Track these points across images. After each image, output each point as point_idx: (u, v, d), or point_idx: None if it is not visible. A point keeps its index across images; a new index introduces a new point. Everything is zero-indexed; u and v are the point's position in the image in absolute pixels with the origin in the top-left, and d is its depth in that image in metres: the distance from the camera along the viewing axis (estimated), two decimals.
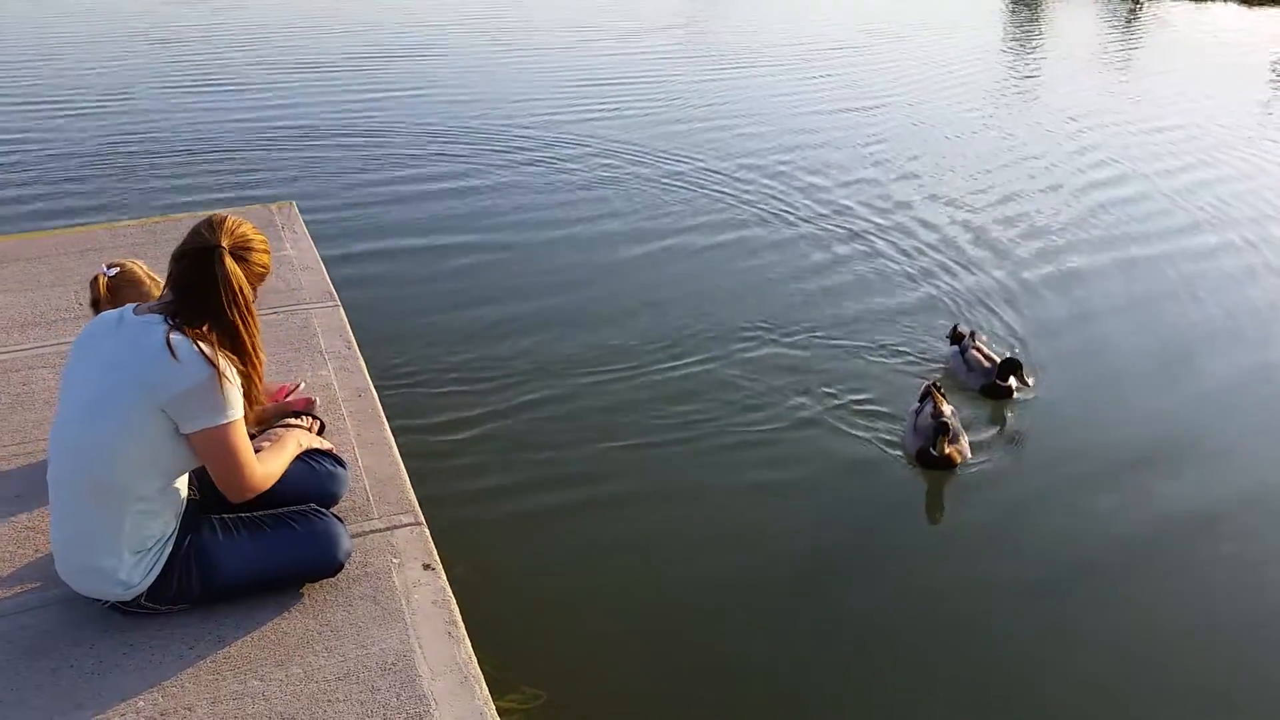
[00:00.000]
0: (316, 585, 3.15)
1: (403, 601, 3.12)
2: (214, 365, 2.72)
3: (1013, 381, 6.07)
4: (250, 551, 3.02)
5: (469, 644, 2.96)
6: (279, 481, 3.10)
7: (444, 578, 3.25)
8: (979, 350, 6.35)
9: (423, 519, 3.55)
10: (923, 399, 5.82)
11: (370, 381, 4.53)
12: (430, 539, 3.45)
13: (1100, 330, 7.22)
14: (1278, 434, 5.93)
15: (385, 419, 4.23)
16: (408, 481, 3.76)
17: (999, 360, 6.17)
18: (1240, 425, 5.99)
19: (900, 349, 6.85)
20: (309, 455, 3.37)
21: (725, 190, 10.09)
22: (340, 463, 3.46)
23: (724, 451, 5.59)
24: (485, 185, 10.10)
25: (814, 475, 5.41)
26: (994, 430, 5.95)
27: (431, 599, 3.14)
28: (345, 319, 5.06)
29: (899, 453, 5.59)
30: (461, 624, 3.04)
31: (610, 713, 3.76)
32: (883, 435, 5.77)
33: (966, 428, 5.74)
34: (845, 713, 3.85)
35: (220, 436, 2.79)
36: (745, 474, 5.40)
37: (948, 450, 5.29)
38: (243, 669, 2.82)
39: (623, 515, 5.07)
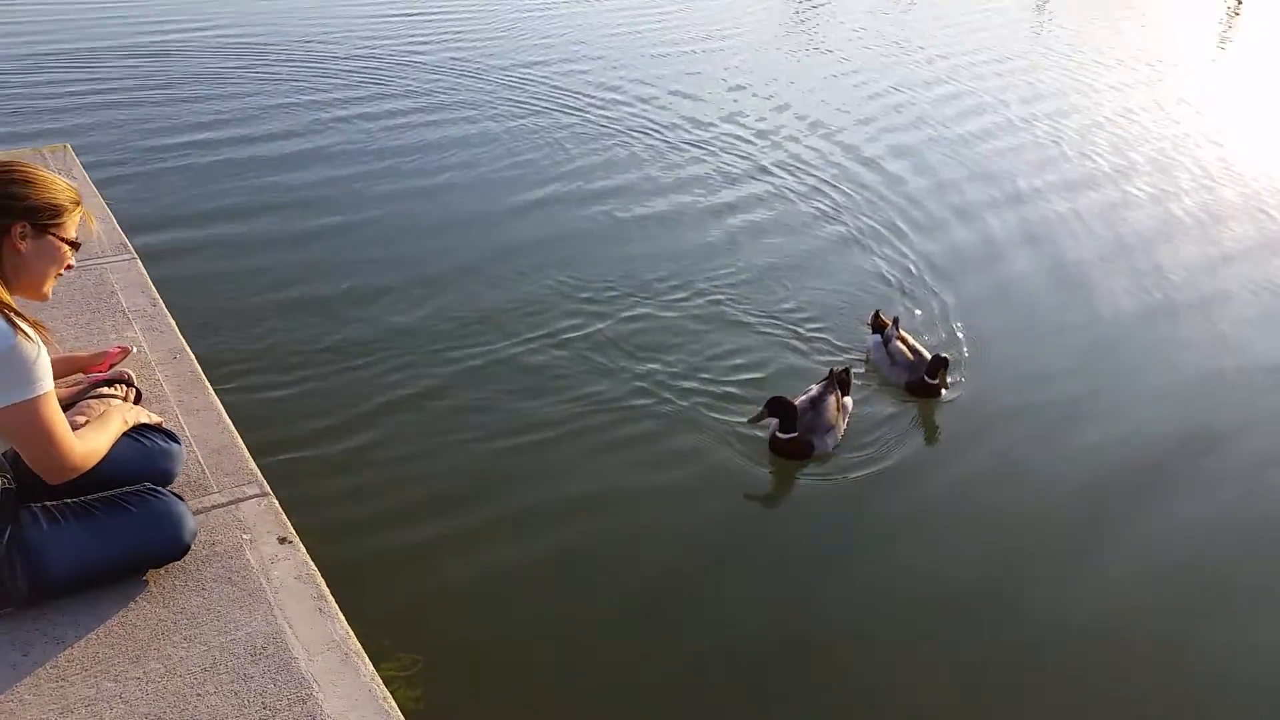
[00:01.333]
0: (162, 571, 2.90)
1: (262, 579, 2.93)
2: (13, 333, 2.41)
3: (941, 380, 5.67)
4: (83, 541, 2.73)
5: (343, 618, 2.83)
6: (106, 463, 2.81)
7: (304, 551, 3.08)
8: (903, 341, 5.96)
9: (269, 489, 3.33)
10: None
11: (185, 341, 4.17)
12: (281, 510, 3.25)
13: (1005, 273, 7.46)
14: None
15: (208, 382, 3.92)
16: (245, 450, 3.52)
17: (926, 355, 5.80)
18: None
19: (801, 323, 6.53)
20: (137, 431, 3.07)
21: (587, 115, 9.78)
22: (173, 438, 3.18)
23: (583, 431, 5.32)
24: (314, 112, 9.26)
25: (695, 473, 5.05)
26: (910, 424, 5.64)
27: (294, 574, 2.97)
28: (145, 273, 4.60)
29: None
30: (331, 598, 2.90)
31: (493, 668, 3.73)
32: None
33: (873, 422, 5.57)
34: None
35: (29, 412, 2.48)
36: (614, 453, 5.14)
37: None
38: (92, 670, 2.57)
39: (480, 465, 4.96)
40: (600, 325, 6.29)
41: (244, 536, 3.10)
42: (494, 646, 3.85)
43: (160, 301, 4.38)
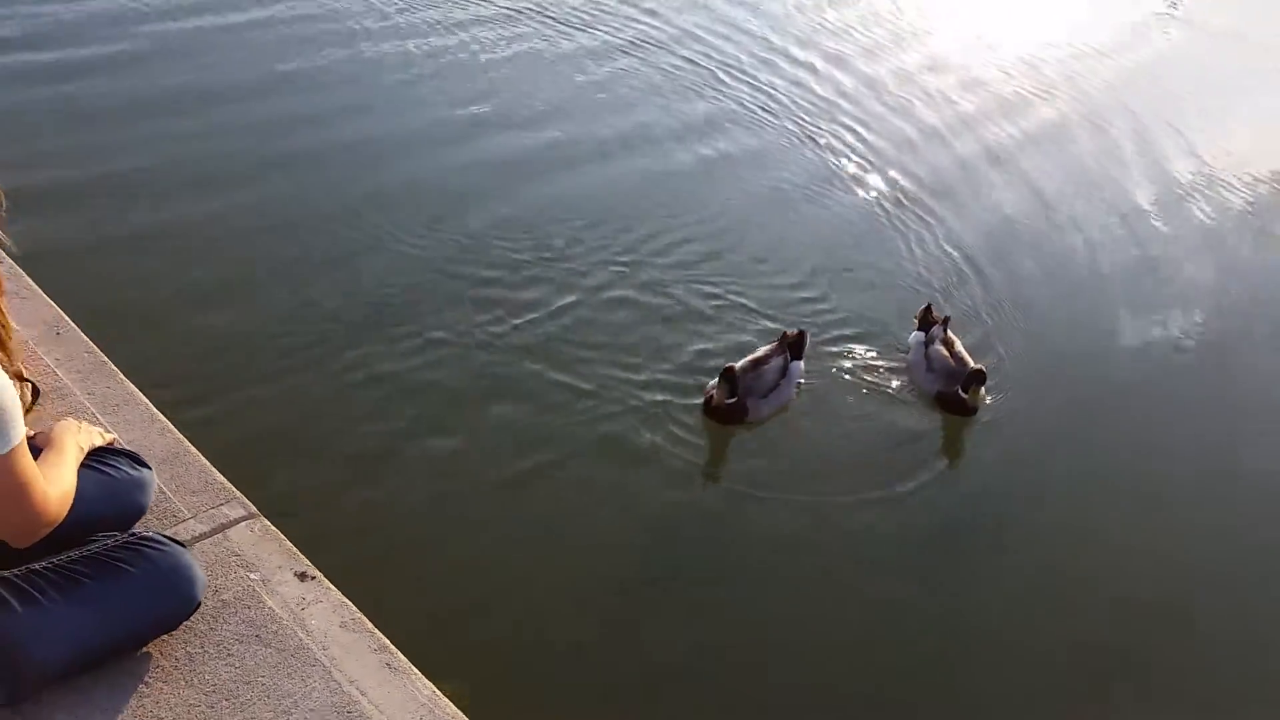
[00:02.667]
0: (167, 637, 2.29)
1: (300, 633, 2.39)
2: None
3: (977, 395, 4.89)
4: (73, 621, 2.09)
5: (418, 672, 2.37)
6: (72, 506, 2.14)
7: (333, 587, 2.54)
8: (948, 345, 5.10)
9: (254, 508, 2.73)
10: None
11: (64, 312, 3.32)
12: (282, 535, 2.67)
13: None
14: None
15: (115, 366, 3.14)
16: (203, 458, 2.85)
17: (970, 364, 4.95)
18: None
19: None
20: (94, 457, 2.38)
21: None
22: (138, 461, 2.49)
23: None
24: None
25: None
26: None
27: (336, 620, 2.45)
28: None
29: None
30: (393, 647, 2.42)
31: (551, 685, 3.34)
32: None
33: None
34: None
35: (6, 469, 1.83)
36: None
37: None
38: None
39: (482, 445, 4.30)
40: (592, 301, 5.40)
41: (251, 576, 2.52)
42: (541, 663, 3.42)
43: (12, 261, 3.44)
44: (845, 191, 7.06)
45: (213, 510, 2.67)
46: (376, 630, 2.44)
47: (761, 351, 4.84)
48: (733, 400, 4.50)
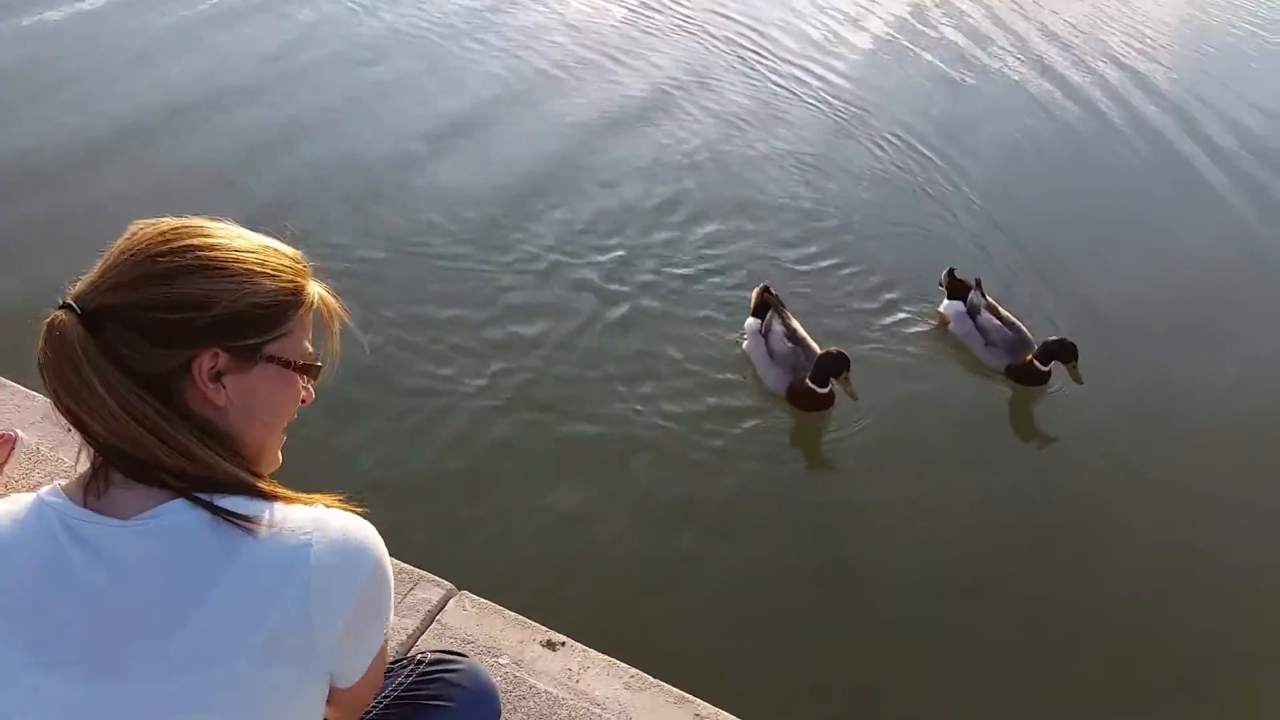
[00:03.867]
0: None
1: (593, 708, 2.16)
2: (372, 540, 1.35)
3: (1074, 373, 4.20)
4: None
5: (730, 714, 2.23)
6: None
7: (589, 649, 2.32)
8: (994, 311, 4.48)
9: (449, 583, 2.41)
10: (760, 311, 4.20)
11: None
12: (497, 605, 2.38)
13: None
14: None
15: None
16: None
17: (1024, 329, 4.41)
18: None
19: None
20: None
21: None
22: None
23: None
24: None
25: None
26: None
27: (619, 683, 2.23)
28: None
29: None
30: (691, 695, 2.25)
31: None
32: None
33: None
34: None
35: (384, 653, 1.48)
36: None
37: (849, 387, 3.87)
38: None
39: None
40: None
41: (501, 661, 2.24)
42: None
43: None
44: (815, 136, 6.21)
45: (408, 598, 2.34)
46: (664, 683, 2.26)
47: (761, 324, 4.13)
48: (826, 390, 3.89)
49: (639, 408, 3.87)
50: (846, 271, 4.91)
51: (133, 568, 1.07)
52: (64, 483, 1.13)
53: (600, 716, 2.14)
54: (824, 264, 4.96)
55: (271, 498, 1.15)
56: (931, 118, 6.61)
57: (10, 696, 1.06)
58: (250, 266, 1.16)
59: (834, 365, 3.81)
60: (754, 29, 7.64)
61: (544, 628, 2.33)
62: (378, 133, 5.50)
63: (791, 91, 6.73)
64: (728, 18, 7.76)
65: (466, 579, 2.46)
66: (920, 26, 8.16)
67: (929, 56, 7.62)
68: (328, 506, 1.18)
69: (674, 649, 2.91)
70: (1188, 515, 3.84)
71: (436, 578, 2.40)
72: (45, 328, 1.07)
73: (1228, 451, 4.18)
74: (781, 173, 5.72)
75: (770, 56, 7.23)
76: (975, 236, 5.38)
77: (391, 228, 4.71)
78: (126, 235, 1.14)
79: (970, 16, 8.47)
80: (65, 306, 1.08)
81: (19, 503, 1.13)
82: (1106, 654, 3.24)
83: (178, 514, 1.08)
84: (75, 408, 1.08)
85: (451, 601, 2.35)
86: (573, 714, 2.13)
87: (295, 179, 5.00)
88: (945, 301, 4.62)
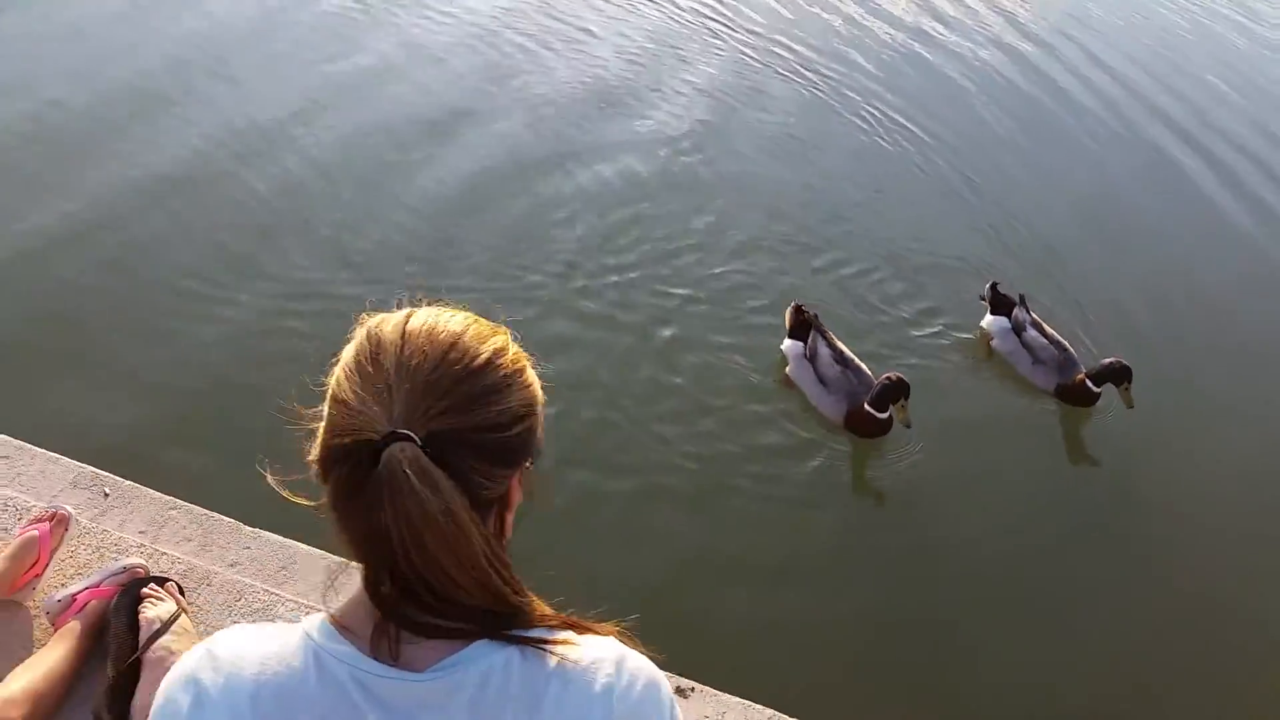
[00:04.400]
0: None
1: None
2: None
3: (1125, 398, 4.08)
4: None
5: None
6: None
7: (716, 690, 2.19)
8: (1040, 328, 4.33)
9: None
10: (798, 333, 4.03)
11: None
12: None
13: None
14: None
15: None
16: None
17: (1067, 345, 4.26)
18: None
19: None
20: None
21: None
22: None
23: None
24: None
25: None
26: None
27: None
28: None
29: None
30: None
31: None
32: None
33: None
34: None
35: None
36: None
37: (904, 415, 3.72)
38: None
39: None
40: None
41: None
42: None
43: None
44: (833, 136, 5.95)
45: None
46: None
47: (809, 348, 3.97)
48: (886, 415, 3.76)
49: (691, 449, 3.68)
50: (871, 280, 4.72)
51: None
52: (324, 618, 0.97)
53: None
54: (845, 272, 4.73)
55: (567, 626, 1.00)
56: (945, 111, 6.36)
57: None
58: (520, 360, 1.03)
59: (895, 391, 3.68)
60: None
61: (674, 674, 2.19)
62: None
63: (794, 79, 6.43)
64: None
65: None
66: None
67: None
68: (618, 639, 1.05)
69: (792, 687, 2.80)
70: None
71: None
72: (387, 461, 0.89)
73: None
74: (785, 171, 5.47)
75: (750, 35, 6.91)
76: (995, 230, 5.24)
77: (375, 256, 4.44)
78: (405, 347, 0.96)
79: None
80: (399, 436, 0.90)
81: (282, 643, 0.96)
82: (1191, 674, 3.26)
83: (485, 658, 0.94)
84: (409, 543, 0.91)
85: None
86: None
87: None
88: (988, 316, 4.42)
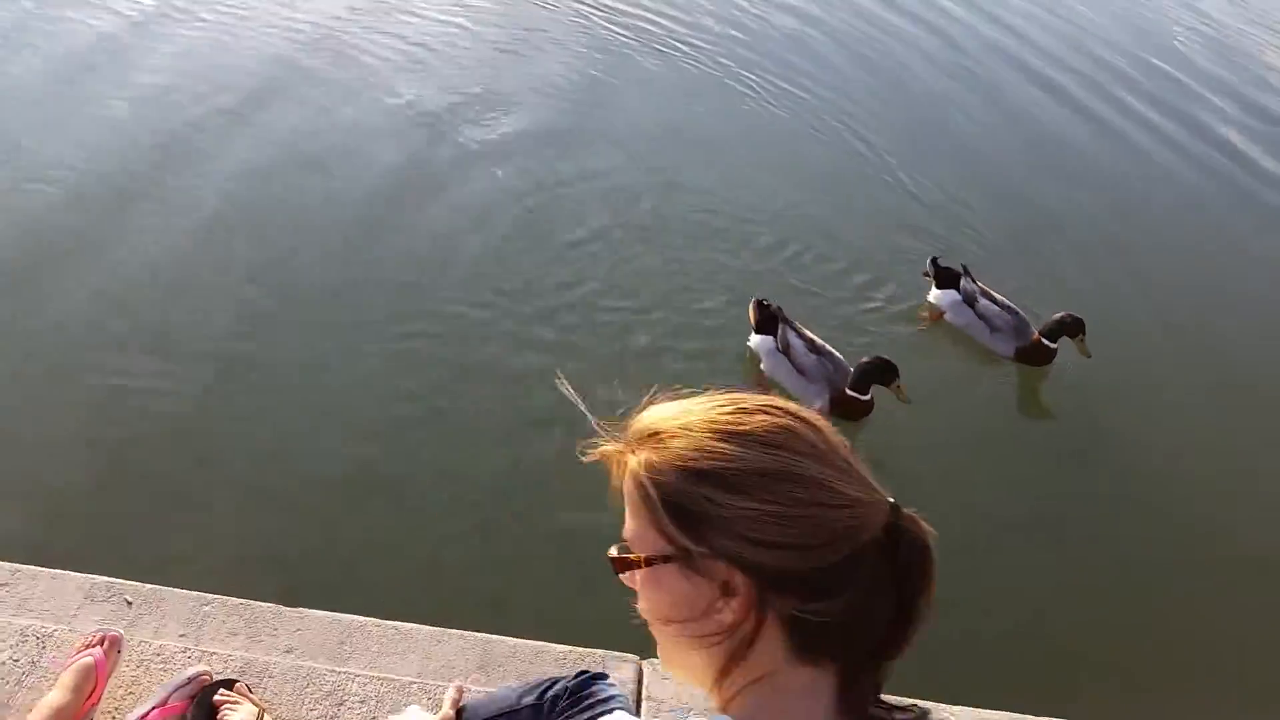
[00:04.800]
0: None
1: None
2: None
3: (1084, 346, 4.20)
4: None
5: None
6: None
7: None
8: (989, 296, 4.41)
9: (620, 654, 2.26)
10: (766, 327, 4.04)
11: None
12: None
13: None
14: None
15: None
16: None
17: (1019, 310, 4.36)
18: None
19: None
20: None
21: None
22: None
23: None
24: None
25: None
26: None
27: None
28: None
29: None
30: None
31: None
32: None
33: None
34: None
35: None
36: None
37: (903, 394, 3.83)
38: None
39: None
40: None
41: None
42: None
43: None
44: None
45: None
46: None
47: (778, 341, 4.02)
48: (868, 396, 3.85)
49: None
50: (802, 262, 4.75)
51: None
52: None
53: None
54: (776, 260, 4.76)
55: None
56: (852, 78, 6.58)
57: None
58: None
59: (881, 373, 3.77)
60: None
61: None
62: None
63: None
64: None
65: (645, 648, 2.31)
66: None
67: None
68: None
69: None
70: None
71: (620, 654, 2.24)
72: (910, 536, 0.87)
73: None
74: (679, 158, 5.46)
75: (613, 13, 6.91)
76: (908, 190, 5.40)
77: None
78: (810, 424, 0.91)
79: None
80: (897, 508, 0.88)
81: None
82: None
83: None
84: (916, 621, 0.89)
85: (646, 672, 2.20)
86: None
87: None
88: (934, 291, 4.50)
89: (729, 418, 0.87)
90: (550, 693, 1.72)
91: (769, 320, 4.01)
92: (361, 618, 2.27)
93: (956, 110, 6.40)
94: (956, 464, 3.86)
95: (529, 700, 1.73)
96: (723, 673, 0.87)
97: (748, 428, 0.86)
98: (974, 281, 4.42)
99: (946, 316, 4.44)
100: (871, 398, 3.82)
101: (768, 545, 0.82)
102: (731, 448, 0.85)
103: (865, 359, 3.83)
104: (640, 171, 5.23)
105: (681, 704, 2.14)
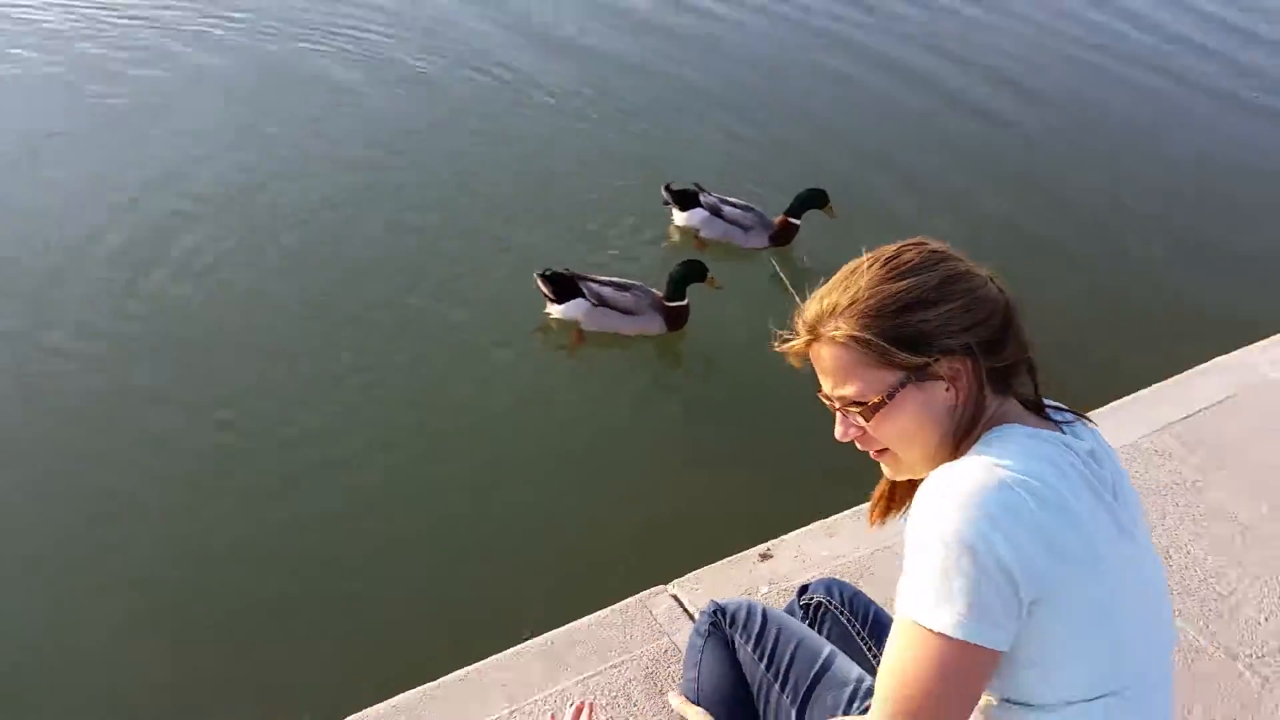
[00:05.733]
0: None
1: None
2: None
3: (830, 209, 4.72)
4: None
5: None
6: None
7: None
8: (729, 201, 4.77)
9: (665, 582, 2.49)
10: (568, 294, 4.26)
11: None
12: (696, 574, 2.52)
13: None
14: None
15: None
16: None
17: (752, 205, 4.80)
18: None
19: None
20: None
21: None
22: None
23: None
24: None
25: None
26: None
27: None
28: None
29: None
30: None
31: None
32: None
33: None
34: None
35: None
36: None
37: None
38: None
39: None
40: None
41: (763, 590, 2.42)
42: None
43: None
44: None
45: (655, 623, 2.37)
46: None
47: (610, 279, 4.33)
48: (685, 301, 4.27)
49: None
50: (542, 210, 5.15)
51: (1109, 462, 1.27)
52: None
53: None
54: (507, 214, 5.11)
55: None
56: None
57: (1118, 550, 1.21)
58: None
59: (687, 273, 4.18)
60: None
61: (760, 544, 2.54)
62: None
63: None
64: None
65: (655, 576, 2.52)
66: None
67: None
68: None
69: None
70: None
71: (649, 591, 2.46)
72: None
73: None
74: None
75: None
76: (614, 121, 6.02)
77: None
78: (941, 253, 1.24)
79: None
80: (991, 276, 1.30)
81: (1041, 453, 1.17)
82: None
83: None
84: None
85: (679, 594, 2.44)
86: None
87: None
88: (677, 214, 4.81)
89: (889, 264, 1.20)
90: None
91: (566, 286, 4.22)
92: (414, 691, 2.26)
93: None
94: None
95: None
96: (965, 433, 1.21)
97: (910, 261, 1.19)
98: (710, 194, 4.77)
99: (702, 234, 4.79)
100: (688, 303, 4.26)
101: (968, 329, 1.18)
102: (909, 280, 1.18)
103: (681, 262, 4.25)
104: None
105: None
